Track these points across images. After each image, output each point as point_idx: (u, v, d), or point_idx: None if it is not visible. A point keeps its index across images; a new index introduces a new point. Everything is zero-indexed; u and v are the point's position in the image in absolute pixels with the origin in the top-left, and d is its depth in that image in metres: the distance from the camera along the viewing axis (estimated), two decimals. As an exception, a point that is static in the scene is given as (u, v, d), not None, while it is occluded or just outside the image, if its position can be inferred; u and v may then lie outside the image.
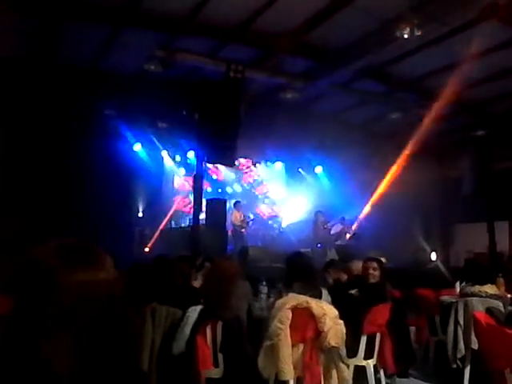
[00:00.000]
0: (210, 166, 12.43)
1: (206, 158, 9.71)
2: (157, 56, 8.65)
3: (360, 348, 4.20)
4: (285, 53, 9.15)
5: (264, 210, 14.39)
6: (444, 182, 13.30)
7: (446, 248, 12.95)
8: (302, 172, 14.41)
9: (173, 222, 12.65)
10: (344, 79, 10.06)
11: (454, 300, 5.00)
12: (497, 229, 11.53)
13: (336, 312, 3.65)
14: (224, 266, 3.96)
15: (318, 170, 14.25)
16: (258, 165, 14.42)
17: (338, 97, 10.88)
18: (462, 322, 4.54)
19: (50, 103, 9.47)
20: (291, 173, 14.46)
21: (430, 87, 10.38)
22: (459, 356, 4.48)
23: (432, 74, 9.66)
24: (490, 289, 4.57)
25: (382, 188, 12.55)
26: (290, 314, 3.55)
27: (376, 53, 8.49)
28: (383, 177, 12.45)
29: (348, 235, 12.59)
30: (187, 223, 12.10)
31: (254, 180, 14.52)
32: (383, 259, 11.26)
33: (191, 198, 11.21)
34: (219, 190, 13.57)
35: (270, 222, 14.16)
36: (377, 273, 4.82)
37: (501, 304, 4.39)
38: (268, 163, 14.45)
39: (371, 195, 12.46)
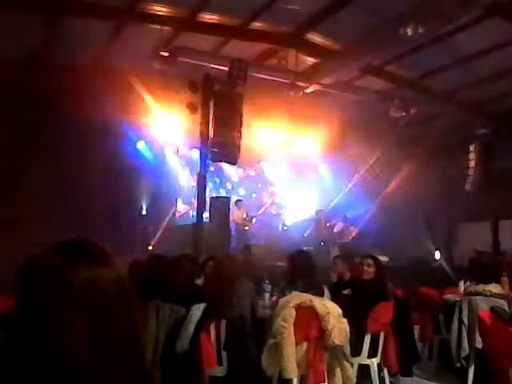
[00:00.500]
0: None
1: (209, 156, 9.71)
2: (160, 53, 8.65)
3: (364, 347, 4.19)
4: (288, 49, 9.14)
5: (267, 208, 14.38)
6: (447, 181, 13.25)
7: (449, 247, 12.91)
8: (306, 170, 14.40)
9: (176, 220, 12.67)
10: (347, 77, 10.04)
11: (458, 299, 4.99)
12: (501, 228, 11.50)
13: (340, 310, 3.65)
14: (227, 264, 3.96)
15: (321, 168, 14.24)
16: (261, 163, 14.41)
17: (340, 94, 10.85)
18: (466, 321, 4.53)
19: (50, 102, 9.47)
20: (294, 171, 14.44)
21: (433, 85, 10.36)
22: (463, 355, 4.47)
23: (435, 72, 9.63)
24: (494, 288, 4.57)
25: (384, 186, 12.53)
26: (294, 313, 3.55)
27: (379, 50, 8.48)
28: (386, 176, 12.43)
29: (351, 234, 12.58)
30: (190, 221, 12.12)
31: (258, 178, 14.51)
32: (386, 258, 11.30)
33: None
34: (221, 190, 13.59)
35: (273, 220, 14.15)
36: (371, 269, 4.78)
37: (505, 303, 4.38)
38: (271, 161, 14.43)
39: (374, 194, 12.44)
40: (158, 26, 8.34)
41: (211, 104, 9.39)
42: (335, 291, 4.71)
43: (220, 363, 3.50)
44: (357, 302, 4.27)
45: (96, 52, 9.14)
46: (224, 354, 3.51)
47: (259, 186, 14.54)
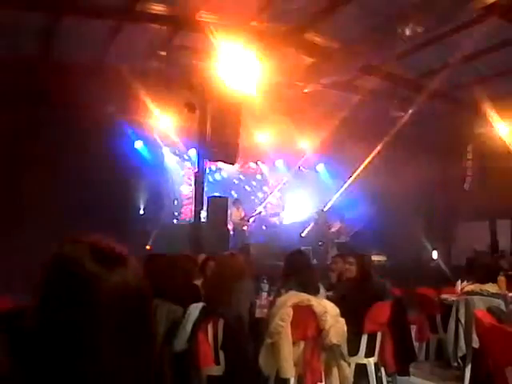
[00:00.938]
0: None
1: (207, 156, 9.71)
2: (159, 53, 8.64)
3: (361, 346, 4.20)
4: (287, 49, 9.13)
5: (265, 207, 14.38)
6: (446, 180, 13.27)
7: (447, 246, 12.93)
8: (304, 169, 14.41)
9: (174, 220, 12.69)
10: (345, 76, 10.04)
11: (455, 298, 5.01)
12: (499, 227, 11.52)
13: (337, 310, 3.66)
14: (227, 264, 3.96)
15: (320, 167, 14.25)
16: (259, 162, 14.43)
17: (339, 94, 10.85)
18: (463, 321, 4.55)
19: (50, 100, 9.47)
20: (292, 170, 14.46)
21: (433, 84, 10.36)
22: (460, 354, 4.49)
23: (434, 71, 9.64)
24: (491, 287, 4.58)
25: (383, 186, 12.54)
26: (291, 312, 3.56)
27: (378, 50, 8.48)
28: (385, 174, 12.43)
29: (348, 233, 12.60)
30: (188, 220, 12.13)
31: (256, 177, 14.53)
32: (383, 257, 11.30)
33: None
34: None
35: (271, 219, 14.16)
36: (353, 267, 4.78)
37: (502, 303, 4.40)
38: (269, 161, 14.45)
39: (372, 193, 12.45)
40: (157, 26, 8.34)
41: (209, 103, 9.38)
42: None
43: (217, 362, 3.51)
44: (344, 301, 4.25)
45: (95, 51, 9.13)
46: (221, 353, 3.51)
47: (257, 185, 14.55)
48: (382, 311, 4.30)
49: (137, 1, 7.72)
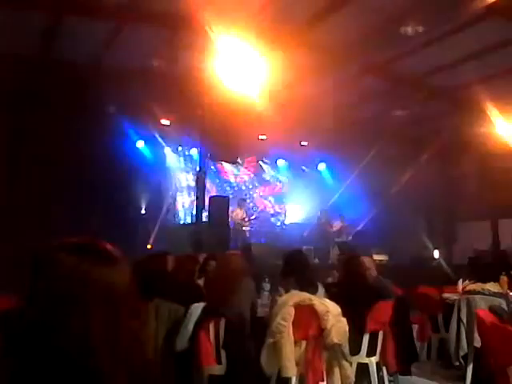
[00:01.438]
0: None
1: (208, 155, 9.72)
2: (160, 52, 8.65)
3: (363, 345, 4.20)
4: (288, 49, 9.12)
5: (267, 206, 14.39)
6: (447, 180, 13.27)
7: (449, 246, 12.93)
8: (305, 169, 14.41)
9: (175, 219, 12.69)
10: (348, 75, 10.04)
11: (456, 298, 5.00)
12: (500, 227, 11.51)
13: (339, 309, 3.66)
14: (228, 263, 3.97)
15: (321, 167, 14.25)
16: (260, 162, 14.43)
17: (340, 94, 10.85)
18: (464, 320, 4.55)
19: (51, 100, 9.47)
20: (294, 170, 14.46)
21: (434, 85, 10.36)
22: (462, 354, 4.49)
23: (435, 71, 9.63)
24: (492, 287, 4.58)
25: (384, 185, 12.54)
26: (293, 311, 3.56)
27: (380, 49, 8.48)
28: (386, 174, 12.43)
29: (349, 233, 12.60)
30: (190, 220, 12.13)
31: (257, 177, 14.52)
32: (385, 257, 11.29)
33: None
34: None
35: (273, 219, 14.17)
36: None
37: (503, 302, 4.40)
38: (271, 160, 14.45)
39: (374, 193, 12.45)
40: (159, 25, 8.34)
41: (211, 103, 9.38)
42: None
43: (219, 362, 3.51)
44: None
45: (96, 50, 9.13)
46: (223, 352, 3.52)
47: (258, 184, 14.54)
48: (383, 310, 4.30)
49: (138, 0, 7.72)
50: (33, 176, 9.56)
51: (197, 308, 3.55)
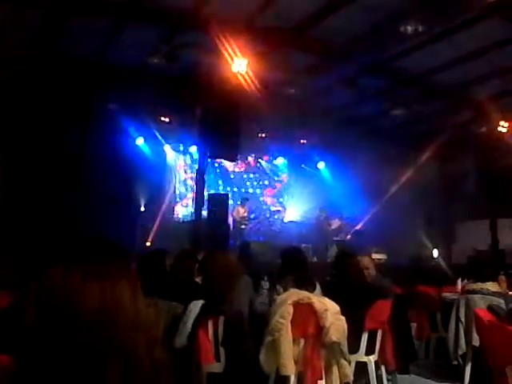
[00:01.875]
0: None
1: (208, 153, 9.71)
2: (160, 50, 8.63)
3: (361, 344, 4.20)
4: (288, 48, 9.12)
5: (266, 204, 14.38)
6: (446, 179, 13.27)
7: (447, 245, 12.94)
8: (305, 167, 14.40)
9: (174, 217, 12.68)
10: (347, 75, 10.03)
11: (455, 297, 5.01)
12: (499, 226, 11.51)
13: (337, 308, 3.66)
14: (225, 261, 3.96)
15: (321, 165, 14.24)
16: (260, 160, 14.42)
17: (340, 92, 10.84)
18: (463, 319, 4.55)
19: (52, 97, 9.46)
20: (294, 168, 14.45)
21: (434, 83, 10.35)
22: (460, 353, 4.49)
23: (436, 70, 9.63)
24: (491, 286, 4.58)
25: (383, 184, 12.54)
26: (292, 310, 3.56)
27: (379, 48, 8.47)
28: (385, 173, 12.43)
29: (348, 231, 12.61)
30: (189, 218, 12.13)
31: (256, 175, 14.52)
32: (384, 255, 11.30)
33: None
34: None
35: (272, 217, 14.16)
36: None
37: (502, 301, 4.40)
38: (270, 158, 14.44)
39: (373, 192, 12.45)
40: (159, 23, 8.33)
41: (211, 100, 9.37)
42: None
43: (218, 359, 3.51)
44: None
45: (96, 48, 9.12)
46: (222, 350, 3.51)
47: (257, 183, 14.53)
48: (382, 309, 4.30)
49: None
50: (32, 172, 9.55)
51: (196, 305, 3.54)
